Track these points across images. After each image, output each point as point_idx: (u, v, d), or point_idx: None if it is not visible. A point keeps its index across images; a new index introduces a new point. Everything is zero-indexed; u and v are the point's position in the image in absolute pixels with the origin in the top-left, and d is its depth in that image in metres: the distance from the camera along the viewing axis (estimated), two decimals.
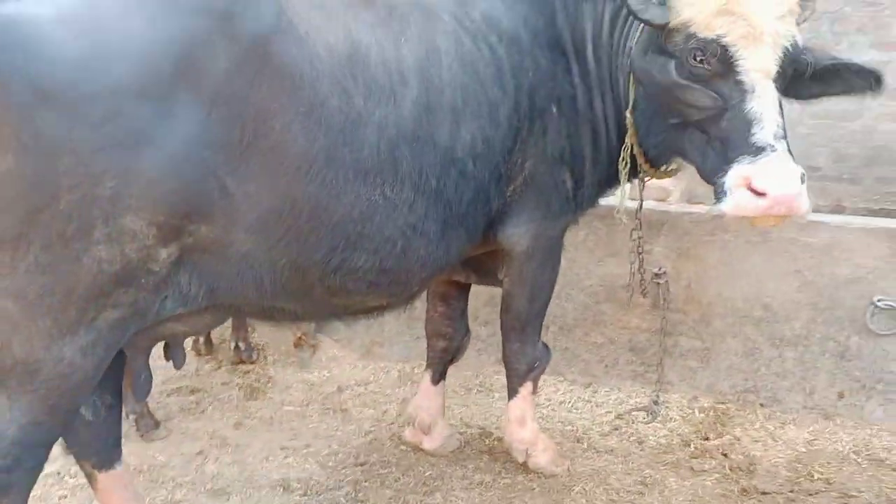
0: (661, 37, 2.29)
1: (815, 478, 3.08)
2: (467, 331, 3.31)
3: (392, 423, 3.58)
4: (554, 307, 3.42)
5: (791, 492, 2.98)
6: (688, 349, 3.66)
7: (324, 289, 2.28)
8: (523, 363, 2.99)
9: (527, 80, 2.50)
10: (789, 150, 2.20)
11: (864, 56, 4.04)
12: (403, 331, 4.23)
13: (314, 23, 2.11)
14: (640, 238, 3.06)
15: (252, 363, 4.25)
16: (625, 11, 2.48)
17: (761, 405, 3.55)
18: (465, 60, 2.37)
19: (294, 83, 2.02)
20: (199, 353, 4.32)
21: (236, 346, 4.30)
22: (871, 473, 3.11)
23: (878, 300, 3.28)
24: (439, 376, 3.31)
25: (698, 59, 2.22)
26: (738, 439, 3.35)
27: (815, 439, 3.36)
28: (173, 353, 2.45)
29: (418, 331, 4.16)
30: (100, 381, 2.11)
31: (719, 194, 2.20)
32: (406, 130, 2.21)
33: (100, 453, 2.42)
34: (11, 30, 1.77)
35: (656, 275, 3.59)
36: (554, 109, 2.57)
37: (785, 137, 2.22)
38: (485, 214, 2.54)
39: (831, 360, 3.42)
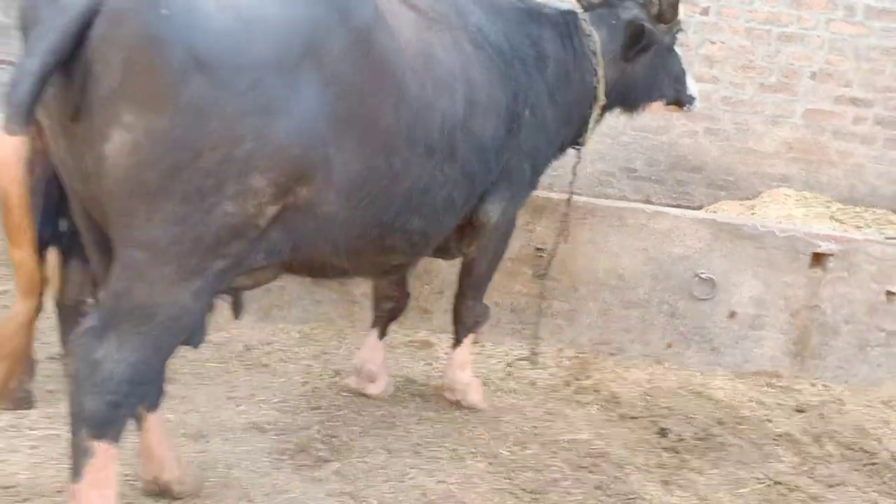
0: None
1: (662, 405, 4.07)
2: (408, 294, 3.80)
3: (320, 376, 3.96)
4: (451, 276, 4.05)
5: (651, 416, 3.92)
6: (557, 311, 4.50)
7: (377, 247, 2.68)
8: (472, 317, 3.60)
9: (511, 86, 3.10)
10: None
11: None
12: (304, 295, 4.57)
13: (396, 21, 2.52)
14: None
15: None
16: (580, 26, 3.32)
17: (611, 354, 4.51)
18: (482, 65, 2.91)
19: (388, 69, 2.40)
20: None
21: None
22: (696, 402, 4.18)
23: (700, 273, 4.38)
24: (382, 332, 3.76)
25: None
26: (599, 381, 4.26)
27: (651, 378, 4.40)
28: (235, 305, 2.66)
29: (318, 295, 4.57)
30: None
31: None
32: (458, 119, 2.70)
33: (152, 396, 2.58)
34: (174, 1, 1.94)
35: (539, 249, 4.39)
36: (527, 113, 3.20)
37: None
38: (480, 194, 3.11)
39: (664, 319, 4.48)
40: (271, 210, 2.21)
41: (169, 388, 3.53)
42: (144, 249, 2.07)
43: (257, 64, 2.05)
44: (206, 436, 3.20)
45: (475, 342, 3.77)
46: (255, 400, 3.59)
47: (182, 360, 3.90)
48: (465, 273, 3.55)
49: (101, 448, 2.13)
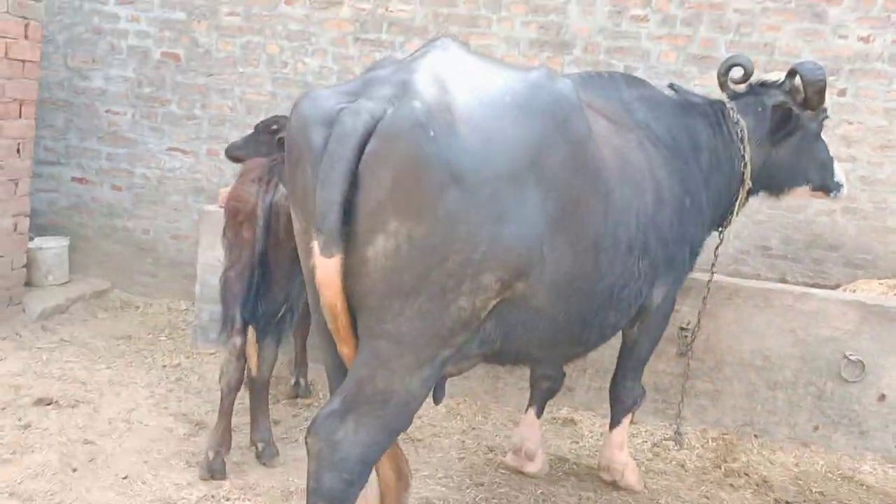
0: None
1: (814, 489, 4.04)
2: (564, 374, 3.94)
3: (475, 452, 4.11)
4: (594, 353, 4.16)
5: (805, 500, 3.91)
6: (701, 390, 4.55)
7: (574, 339, 2.85)
8: (631, 398, 3.72)
9: (678, 177, 3.27)
10: None
11: None
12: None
13: (597, 129, 2.73)
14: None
15: (309, 398, 4.59)
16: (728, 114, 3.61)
17: (755, 436, 4.50)
18: (661, 161, 3.09)
19: (598, 175, 2.60)
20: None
21: (296, 383, 4.61)
22: (848, 488, 4.12)
23: (849, 354, 4.36)
24: (540, 411, 3.90)
25: None
26: (747, 463, 4.26)
27: (798, 462, 4.36)
28: (437, 390, 2.88)
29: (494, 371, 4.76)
30: None
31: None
32: (649, 216, 2.88)
33: None
34: (433, 122, 2.18)
35: (682, 329, 4.46)
36: (688, 201, 3.35)
37: None
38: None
39: (811, 401, 4.46)
40: (493, 303, 2.40)
41: None
42: (391, 340, 2.30)
43: (497, 177, 2.27)
44: None
45: (632, 422, 3.87)
46: (421, 475, 3.76)
47: None
48: (627, 354, 3.68)
49: None
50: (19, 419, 3.88)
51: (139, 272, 6.30)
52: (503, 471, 3.89)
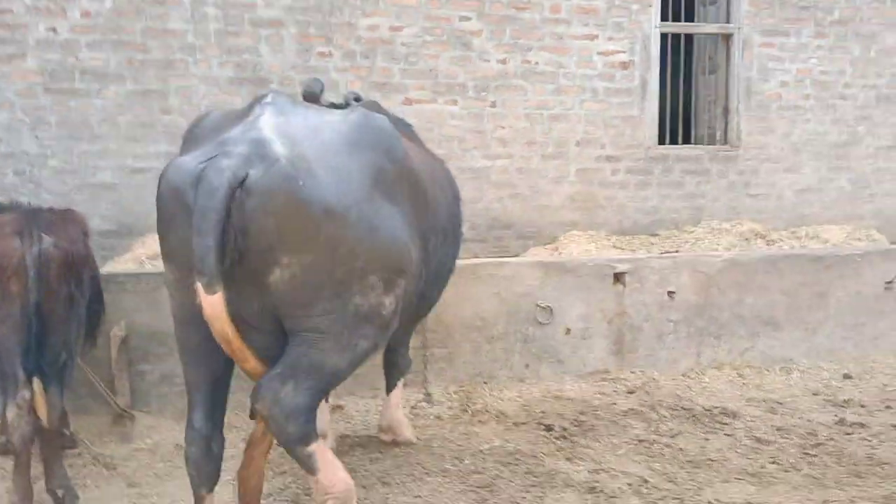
0: None
1: (537, 411, 5.14)
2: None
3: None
4: None
5: (534, 420, 4.96)
6: (439, 356, 5.43)
7: (418, 315, 3.81)
8: (404, 364, 4.52)
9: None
10: None
11: None
12: None
13: (411, 150, 3.41)
14: None
15: (76, 447, 4.52)
16: None
17: (485, 382, 5.52)
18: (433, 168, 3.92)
19: (418, 181, 3.29)
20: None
21: (60, 434, 4.52)
22: (560, 403, 5.30)
23: (540, 303, 5.59)
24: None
25: None
26: (486, 404, 5.24)
27: (521, 394, 5.46)
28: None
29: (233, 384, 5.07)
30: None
31: None
32: (446, 209, 3.78)
33: (213, 481, 3.19)
34: (299, 173, 2.69)
35: None
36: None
37: None
38: None
39: (520, 345, 5.60)
40: (388, 300, 2.98)
41: (140, 491, 3.99)
42: (313, 331, 2.87)
43: (358, 202, 2.83)
44: None
45: (404, 385, 4.61)
46: (226, 481, 4.06)
47: (141, 466, 4.27)
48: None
49: (315, 446, 2.91)
50: None
51: None
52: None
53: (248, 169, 2.64)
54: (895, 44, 8.00)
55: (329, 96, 6.43)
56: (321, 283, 2.79)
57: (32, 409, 3.58)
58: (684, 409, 5.12)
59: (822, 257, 6.27)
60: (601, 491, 3.87)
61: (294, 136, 2.81)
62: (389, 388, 4.53)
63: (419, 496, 3.84)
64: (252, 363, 2.84)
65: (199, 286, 2.59)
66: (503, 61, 6.87)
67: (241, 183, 2.62)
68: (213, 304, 2.61)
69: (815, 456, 4.31)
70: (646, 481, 3.99)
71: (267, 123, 2.81)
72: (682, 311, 5.91)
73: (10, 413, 3.56)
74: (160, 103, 6.13)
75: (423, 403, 5.20)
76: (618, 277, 5.79)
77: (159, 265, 5.35)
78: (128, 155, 6.09)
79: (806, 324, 6.14)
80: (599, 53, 7.17)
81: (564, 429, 4.77)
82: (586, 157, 7.05)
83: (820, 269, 6.20)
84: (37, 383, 3.59)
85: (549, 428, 4.79)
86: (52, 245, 3.66)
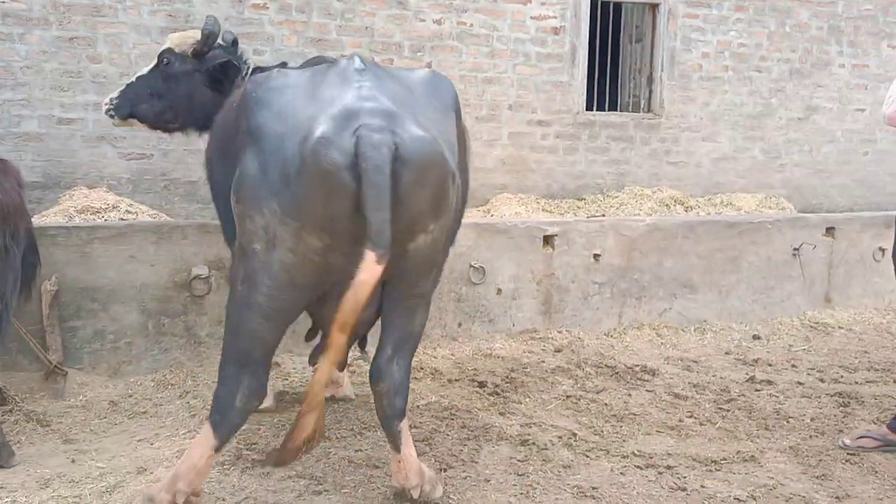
0: None
1: (470, 368, 5.34)
2: None
3: (203, 408, 4.51)
4: None
5: (467, 377, 5.15)
6: None
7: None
8: None
9: None
10: None
11: None
12: (151, 346, 5.02)
13: None
14: None
15: (6, 405, 4.44)
16: None
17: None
18: None
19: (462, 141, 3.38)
20: None
21: None
22: (492, 361, 5.51)
23: (473, 263, 5.74)
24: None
25: None
26: (420, 361, 5.39)
27: (454, 352, 5.64)
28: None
29: (164, 343, 5.06)
30: None
31: None
32: None
33: None
34: (438, 143, 2.86)
35: None
36: None
37: None
38: None
39: (454, 304, 5.76)
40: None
41: (78, 447, 3.98)
42: (420, 298, 3.20)
43: (460, 160, 3.17)
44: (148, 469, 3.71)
45: None
46: (163, 437, 4.09)
47: (76, 422, 4.24)
48: None
49: (405, 422, 3.27)
50: None
51: None
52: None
53: (395, 141, 2.71)
54: (808, 19, 8.42)
55: (266, 50, 6.38)
56: (445, 246, 3.15)
57: None
58: (608, 366, 5.41)
59: (736, 223, 6.64)
60: (533, 443, 4.09)
61: (408, 104, 2.91)
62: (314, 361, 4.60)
63: (360, 450, 3.97)
64: (345, 337, 2.85)
65: (368, 256, 2.65)
66: (439, 22, 6.90)
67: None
68: (376, 273, 2.69)
69: (727, 411, 4.65)
70: (574, 434, 4.23)
71: (379, 91, 2.88)
72: (606, 273, 6.18)
73: None
74: (88, 51, 5.90)
75: (360, 361, 5.30)
76: (547, 240, 6.00)
77: (89, 218, 5.27)
78: (55, 104, 5.86)
79: (719, 287, 6.53)
80: (532, 18, 7.28)
81: (496, 385, 4.97)
82: (518, 121, 7.19)
83: (734, 235, 6.58)
84: None
85: (481, 384, 4.98)
86: None
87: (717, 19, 8.03)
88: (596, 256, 6.14)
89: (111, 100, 4.65)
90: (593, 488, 3.61)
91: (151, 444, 3.98)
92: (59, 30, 5.85)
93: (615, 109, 7.93)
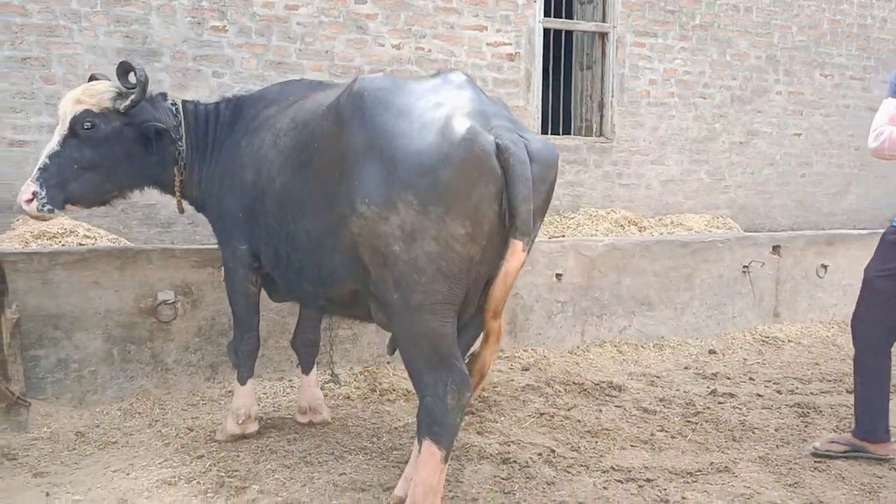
0: None
1: None
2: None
3: (176, 436, 4.41)
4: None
5: None
6: (343, 337, 5.51)
7: None
8: (319, 344, 4.58)
9: None
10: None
11: None
12: (116, 374, 4.88)
13: None
14: None
15: None
16: None
17: (388, 362, 5.66)
18: None
19: None
20: None
21: None
22: None
23: None
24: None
25: None
26: (391, 383, 5.39)
27: None
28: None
29: (130, 371, 4.93)
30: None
31: None
32: None
33: None
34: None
35: None
36: None
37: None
38: None
39: None
40: None
41: (50, 480, 3.84)
42: None
43: None
44: (128, 500, 3.60)
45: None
46: (139, 467, 3.97)
47: (45, 455, 4.08)
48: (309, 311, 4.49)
49: None
50: None
51: None
52: (213, 441, 4.31)
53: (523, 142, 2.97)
54: (747, 48, 8.84)
55: (226, 73, 6.33)
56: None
57: None
58: (575, 383, 5.51)
59: (688, 243, 6.87)
60: (514, 461, 4.13)
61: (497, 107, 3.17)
62: (308, 367, 4.57)
63: (344, 473, 3.93)
64: (498, 322, 3.06)
65: (516, 244, 2.89)
66: (398, 46, 6.98)
67: None
68: (523, 261, 2.92)
69: (696, 423, 4.80)
70: (553, 451, 4.29)
71: (484, 99, 3.13)
72: (568, 292, 6.31)
73: None
74: (42, 72, 5.75)
75: (331, 384, 5.27)
76: None
77: (46, 244, 5.11)
78: (6, 126, 5.69)
79: (675, 304, 6.73)
80: (488, 44, 7.44)
81: (471, 405, 5.00)
82: None
83: (687, 253, 6.80)
84: None
85: None
86: None
87: (663, 48, 8.36)
88: (558, 276, 6.26)
89: (35, 194, 3.83)
90: (579, 503, 3.67)
91: (127, 474, 3.86)
92: (10, 49, 5.70)
93: (569, 133, 8.14)
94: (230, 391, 4.92)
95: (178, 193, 4.27)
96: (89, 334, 4.79)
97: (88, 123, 3.90)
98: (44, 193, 3.85)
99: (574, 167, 7.86)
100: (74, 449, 4.21)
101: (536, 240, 6.47)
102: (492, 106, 3.12)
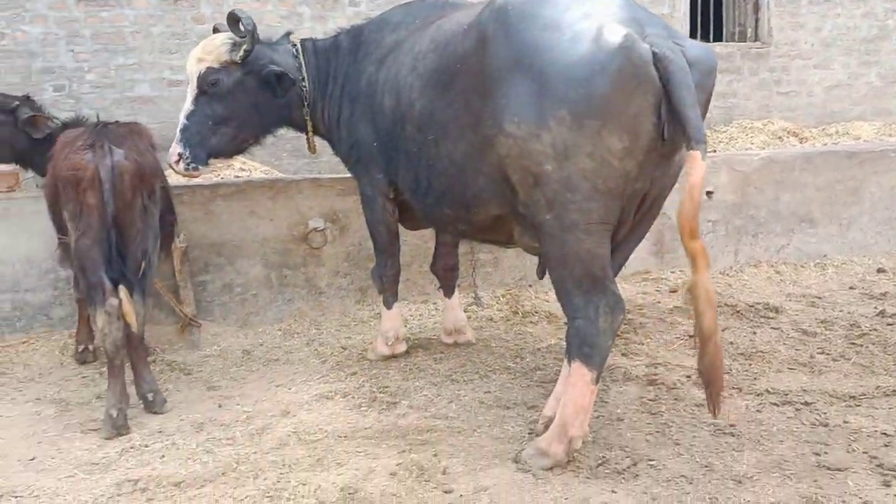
0: None
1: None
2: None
3: (332, 354, 4.66)
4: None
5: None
6: (484, 261, 5.56)
7: None
8: (457, 268, 4.63)
9: None
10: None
11: None
12: (275, 297, 5.20)
13: None
14: None
15: (149, 355, 4.65)
16: None
17: (530, 285, 5.66)
18: None
19: None
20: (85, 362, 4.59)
21: (84, 349, 4.62)
22: None
23: None
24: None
25: None
26: (534, 305, 5.39)
27: None
28: None
29: (287, 294, 5.22)
30: None
31: None
32: None
33: None
34: None
35: None
36: None
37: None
38: None
39: None
40: None
41: (222, 393, 4.17)
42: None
43: None
44: (290, 412, 3.86)
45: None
46: (299, 382, 4.24)
47: (216, 370, 4.45)
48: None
49: None
50: None
51: None
52: (364, 360, 4.52)
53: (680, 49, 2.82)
54: None
55: (360, 1, 6.35)
56: None
57: (121, 316, 3.69)
58: (728, 305, 5.28)
59: (856, 153, 6.31)
60: (661, 383, 4.05)
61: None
62: (449, 291, 4.66)
63: (489, 392, 4.02)
64: (698, 242, 2.90)
65: (694, 154, 2.75)
66: None
67: None
68: (704, 171, 2.77)
69: (861, 346, 4.49)
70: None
71: (633, 5, 2.98)
72: (720, 210, 6.00)
73: (101, 320, 3.67)
74: (192, 12, 6.02)
75: (474, 306, 5.35)
76: None
77: (207, 177, 5.44)
78: (164, 67, 6.04)
79: (840, 220, 6.25)
80: None
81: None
82: None
83: (854, 165, 6.26)
84: (123, 291, 3.69)
85: None
86: (122, 157, 3.70)
87: None
88: (709, 194, 5.94)
89: (180, 155, 4.10)
90: (731, 426, 3.56)
91: (289, 388, 4.15)
92: None
93: (720, 40, 7.61)
94: (378, 313, 5.10)
95: (309, 132, 4.37)
96: (249, 261, 5.11)
97: (213, 80, 4.05)
98: (187, 153, 4.09)
99: (726, 77, 7.36)
100: (241, 365, 4.56)
101: None
102: (644, 13, 2.95)
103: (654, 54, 2.77)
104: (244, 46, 4.02)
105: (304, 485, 3.08)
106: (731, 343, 4.61)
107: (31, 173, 4.69)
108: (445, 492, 3.04)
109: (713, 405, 3.01)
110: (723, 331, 4.81)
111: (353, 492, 3.02)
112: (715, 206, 5.98)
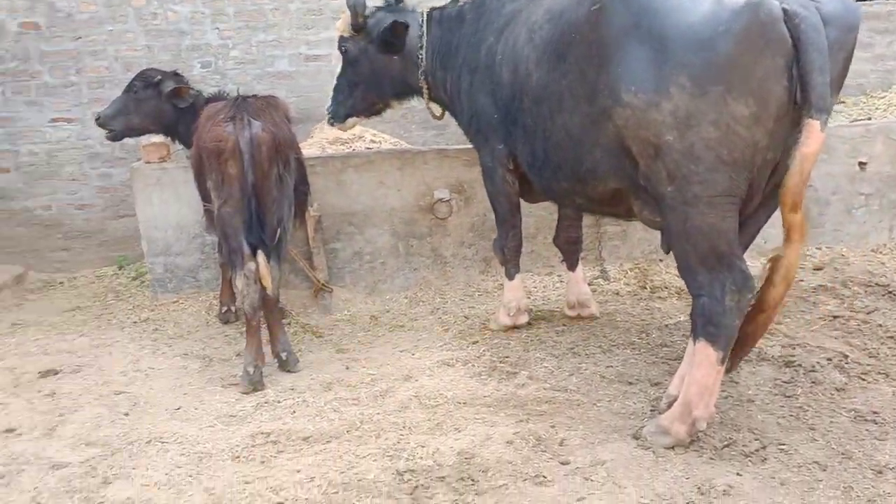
0: None
1: None
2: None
3: (454, 322, 4.73)
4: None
5: None
6: (612, 234, 5.43)
7: None
8: (581, 241, 4.57)
9: None
10: None
11: None
12: (402, 266, 5.32)
13: None
14: None
15: (284, 318, 4.91)
16: None
17: (661, 260, 5.48)
18: None
19: None
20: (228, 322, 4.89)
21: (227, 310, 4.91)
22: None
23: None
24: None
25: None
26: (664, 280, 5.22)
27: None
28: None
29: (414, 263, 5.33)
30: None
31: None
32: None
33: None
34: None
35: None
36: None
37: None
38: None
39: None
40: None
41: (350, 355, 4.32)
42: None
43: None
44: (413, 376, 3.96)
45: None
46: (423, 348, 4.33)
47: (345, 334, 4.63)
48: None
49: None
50: (39, 390, 3.99)
51: (50, 249, 6.18)
52: (486, 329, 4.55)
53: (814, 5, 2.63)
54: None
55: None
56: None
57: (258, 279, 3.91)
58: (879, 285, 4.89)
59: None
60: (799, 365, 3.83)
61: None
62: (573, 264, 4.59)
63: (611, 366, 3.94)
64: (799, 215, 2.74)
65: (813, 124, 2.58)
66: None
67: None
68: (821, 142, 2.60)
69: None
70: (845, 356, 3.89)
71: None
72: (874, 182, 5.54)
73: (240, 283, 3.90)
74: None
75: (600, 280, 5.25)
76: None
77: (339, 149, 5.62)
78: (301, 43, 6.26)
79: None
80: None
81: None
82: None
83: None
84: (261, 256, 3.90)
85: None
86: (260, 129, 3.88)
87: None
88: (861, 164, 5.51)
89: (327, 110, 4.72)
90: (874, 412, 3.32)
91: (412, 354, 4.25)
92: None
93: None
94: (502, 284, 5.10)
95: (426, 97, 4.51)
96: (378, 230, 5.25)
97: (343, 48, 4.55)
98: (331, 110, 4.70)
99: (885, 38, 6.76)
100: (369, 330, 4.71)
101: (834, 123, 5.81)
102: None
103: (785, 11, 2.56)
104: (352, 20, 4.42)
105: (422, 447, 3.16)
106: (881, 325, 4.27)
107: (180, 146, 5.00)
108: (562, 463, 3.02)
109: (731, 363, 3.01)
110: (870, 313, 4.49)
111: (470, 457, 3.07)
112: (868, 179, 5.54)
